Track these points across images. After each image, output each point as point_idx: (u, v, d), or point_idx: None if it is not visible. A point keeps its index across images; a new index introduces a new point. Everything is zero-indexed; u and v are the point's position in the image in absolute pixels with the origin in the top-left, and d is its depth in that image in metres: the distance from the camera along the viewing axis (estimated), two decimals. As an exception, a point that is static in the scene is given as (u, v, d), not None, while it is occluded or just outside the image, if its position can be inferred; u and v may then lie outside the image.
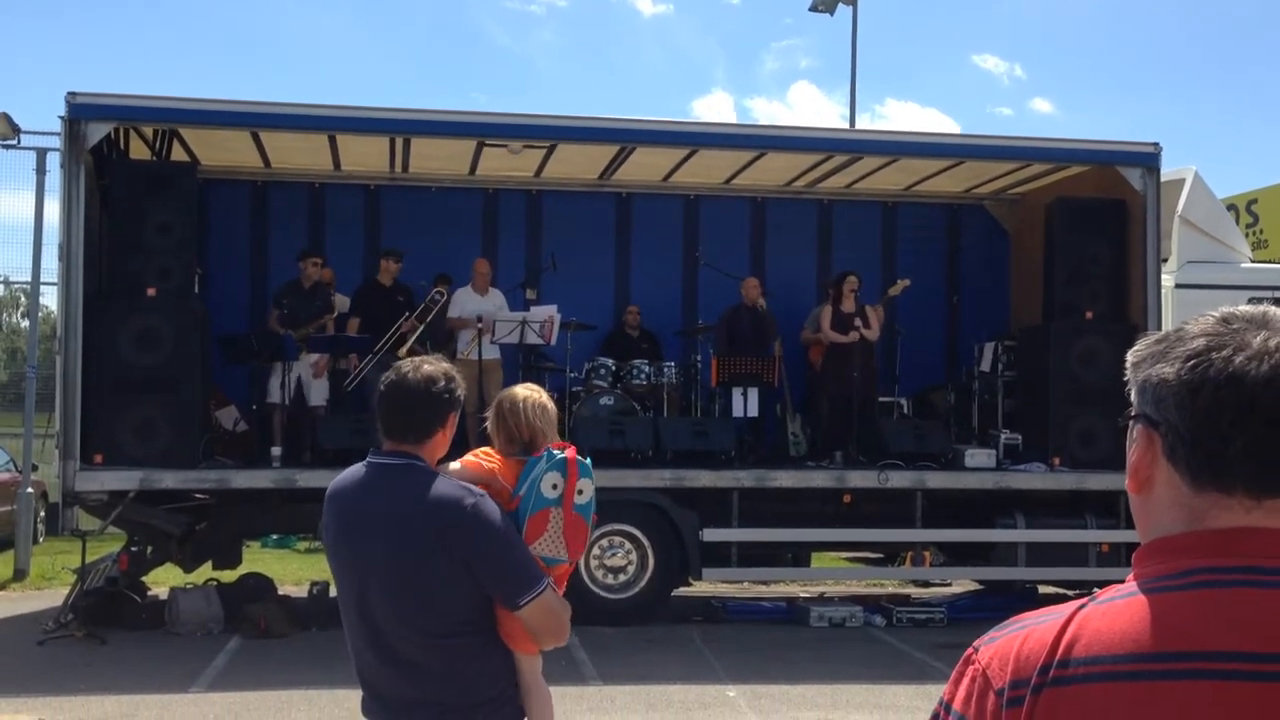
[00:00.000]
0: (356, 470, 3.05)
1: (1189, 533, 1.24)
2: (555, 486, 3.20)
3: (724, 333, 11.81)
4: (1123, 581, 1.26)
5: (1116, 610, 1.22)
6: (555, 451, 3.27)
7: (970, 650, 1.29)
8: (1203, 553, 1.22)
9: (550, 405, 3.47)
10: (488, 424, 3.49)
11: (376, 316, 10.98)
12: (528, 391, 3.46)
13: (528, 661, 3.13)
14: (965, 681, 1.27)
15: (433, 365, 3.05)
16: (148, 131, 10.85)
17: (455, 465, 3.24)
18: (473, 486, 3.02)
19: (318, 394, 11.07)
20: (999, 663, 1.24)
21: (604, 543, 10.36)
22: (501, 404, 3.43)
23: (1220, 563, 1.21)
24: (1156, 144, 10.96)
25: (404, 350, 10.13)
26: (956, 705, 1.27)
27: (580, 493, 3.26)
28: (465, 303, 11.20)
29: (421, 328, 10.87)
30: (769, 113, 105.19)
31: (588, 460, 3.34)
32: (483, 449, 3.43)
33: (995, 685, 1.23)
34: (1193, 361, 1.24)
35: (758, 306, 11.89)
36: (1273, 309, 1.27)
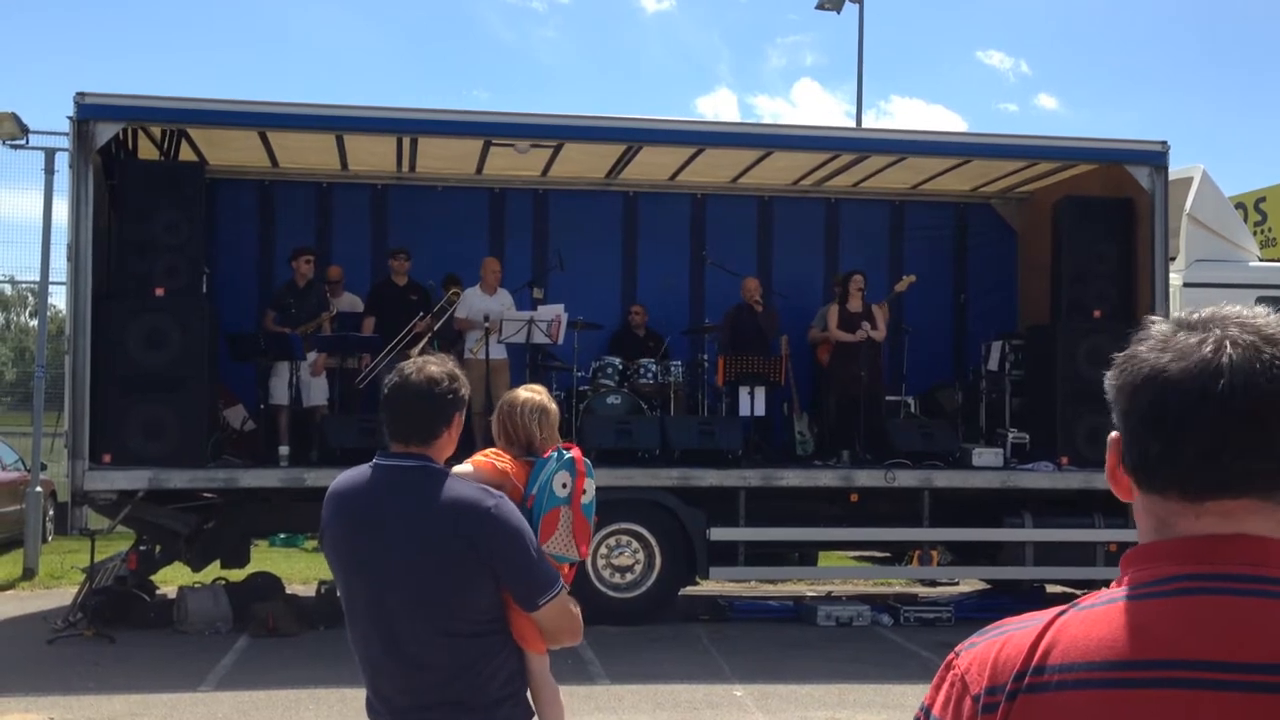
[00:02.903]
0: (363, 472, 3.02)
1: (1170, 540, 1.23)
2: (565, 485, 3.24)
3: (727, 333, 11.81)
4: (1107, 586, 1.26)
5: (1095, 617, 1.21)
6: (565, 451, 3.30)
7: (952, 655, 1.29)
8: (1183, 560, 1.21)
9: (551, 407, 3.46)
10: (492, 425, 3.51)
11: (391, 316, 11.00)
12: (529, 394, 3.46)
13: (537, 661, 3.14)
14: (945, 686, 1.27)
15: (436, 365, 3.03)
16: (156, 131, 10.88)
17: (466, 467, 3.24)
18: (490, 488, 3.02)
19: (317, 393, 11.09)
20: (977, 668, 1.24)
21: (611, 542, 10.37)
22: (501, 406, 3.45)
23: (1200, 570, 1.20)
24: (1164, 142, 10.94)
25: (417, 350, 10.14)
26: (935, 710, 1.27)
27: (585, 492, 3.30)
28: (473, 302, 11.20)
29: (433, 329, 10.89)
30: (772, 110, 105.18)
31: (588, 461, 3.38)
32: (492, 449, 3.44)
33: (972, 691, 1.23)
34: (1124, 365, 1.24)
35: (758, 306, 11.88)
36: (1229, 309, 1.25)
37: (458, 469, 3.16)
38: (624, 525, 10.37)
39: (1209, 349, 1.19)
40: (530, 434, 3.36)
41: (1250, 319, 1.22)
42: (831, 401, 11.80)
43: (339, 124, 10.63)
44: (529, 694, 3.12)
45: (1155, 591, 1.20)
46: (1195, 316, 1.24)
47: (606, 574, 10.35)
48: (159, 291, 9.77)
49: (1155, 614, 1.18)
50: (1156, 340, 1.24)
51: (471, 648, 2.92)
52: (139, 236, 9.86)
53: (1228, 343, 1.19)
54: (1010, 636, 1.24)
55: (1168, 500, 1.23)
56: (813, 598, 11.45)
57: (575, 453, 3.32)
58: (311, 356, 10.98)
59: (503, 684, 2.97)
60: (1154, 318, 1.28)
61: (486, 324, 10.85)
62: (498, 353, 10.96)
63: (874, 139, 12.18)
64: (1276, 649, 1.14)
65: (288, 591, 10.66)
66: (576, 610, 3.09)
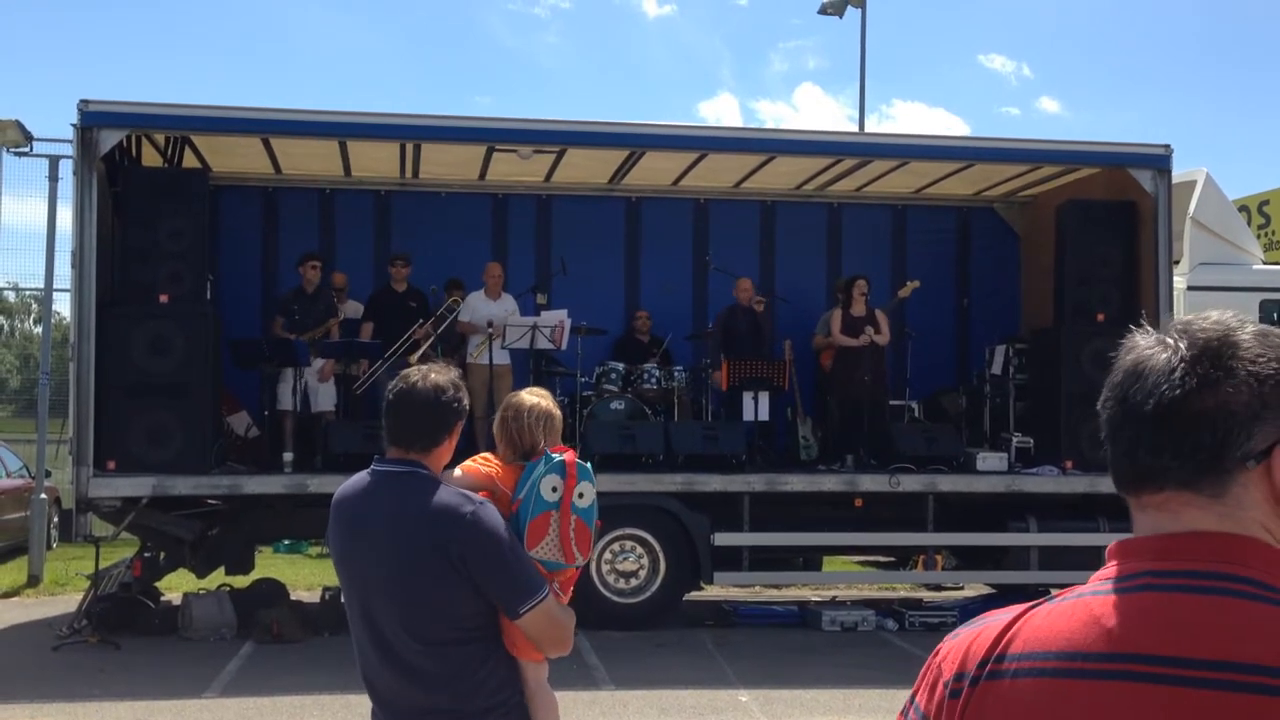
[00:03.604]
0: (361, 478, 3.06)
1: (1139, 537, 1.27)
2: (555, 489, 3.15)
3: (719, 334, 11.82)
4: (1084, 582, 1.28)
5: (1062, 610, 1.24)
6: (554, 455, 3.23)
7: (939, 645, 1.34)
8: (1148, 556, 1.24)
9: (555, 412, 3.41)
10: (494, 428, 3.47)
11: (390, 322, 11.01)
12: (534, 399, 3.41)
13: (533, 669, 3.11)
14: (927, 675, 1.33)
15: (440, 374, 3.04)
16: (159, 138, 10.90)
17: (457, 472, 3.23)
18: (473, 494, 3.01)
19: (325, 399, 11.08)
20: (952, 657, 1.29)
21: (615, 547, 10.36)
22: (506, 410, 3.40)
23: (1162, 566, 1.22)
24: (1168, 146, 10.94)
25: (416, 356, 10.15)
26: (917, 697, 1.33)
27: (581, 496, 3.20)
28: (477, 307, 11.21)
29: (435, 335, 10.90)
30: (775, 114, 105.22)
31: (588, 464, 3.30)
32: (482, 454, 3.40)
33: (944, 677, 1.28)
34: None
35: (753, 307, 11.88)
36: (1199, 315, 1.27)
37: (450, 474, 3.15)
38: (628, 530, 10.36)
39: (1144, 353, 1.26)
40: (535, 440, 3.31)
41: (1191, 324, 1.26)
42: (835, 406, 11.79)
43: (342, 130, 10.64)
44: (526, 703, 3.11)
45: (1118, 587, 1.23)
46: (1181, 320, 1.29)
47: (611, 579, 10.35)
48: (163, 298, 9.78)
49: (1114, 608, 1.21)
50: (1125, 347, 1.30)
51: (457, 655, 2.92)
52: (143, 243, 9.87)
53: (1159, 347, 1.25)
54: (985, 627, 1.29)
55: (1121, 495, 1.30)
56: (817, 602, 11.43)
57: (567, 456, 3.25)
58: (318, 363, 10.98)
59: (491, 692, 2.96)
60: (1141, 327, 1.32)
61: (489, 329, 10.86)
62: (500, 358, 10.97)
63: (877, 143, 12.19)
64: (1228, 646, 1.14)
65: (292, 598, 10.66)
66: (566, 619, 3.06)
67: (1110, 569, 1.26)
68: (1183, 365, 1.21)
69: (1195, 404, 1.20)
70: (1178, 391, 1.21)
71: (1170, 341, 1.24)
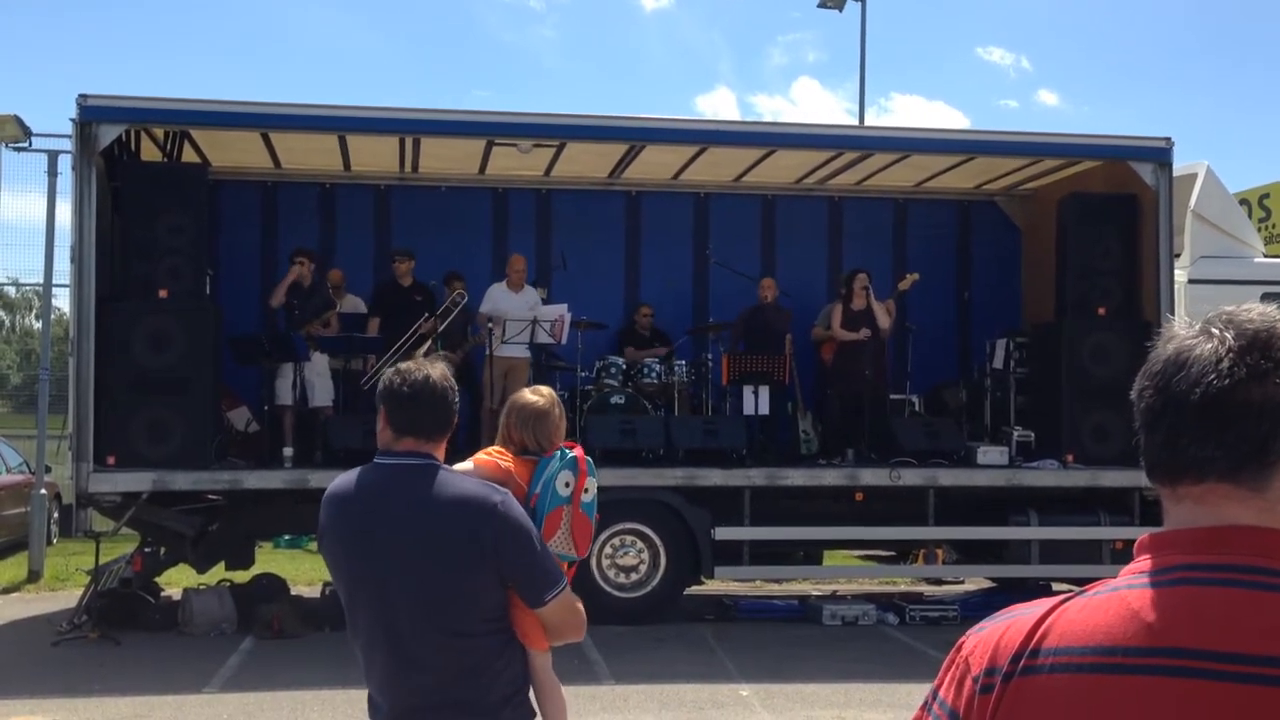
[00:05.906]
0: (364, 473, 3.01)
1: (1174, 530, 1.25)
2: (568, 484, 3.26)
3: (740, 328, 11.80)
4: (1115, 576, 1.27)
5: (1096, 604, 1.23)
6: (567, 450, 3.31)
7: (962, 639, 1.32)
8: (1184, 549, 1.23)
9: (553, 411, 3.48)
10: (500, 422, 3.51)
11: (396, 316, 10.98)
12: (528, 399, 3.46)
13: (540, 658, 3.14)
14: (952, 669, 1.31)
15: (439, 367, 3.05)
16: (158, 133, 10.88)
17: (468, 464, 3.24)
18: (497, 485, 3.03)
19: (323, 394, 11.06)
20: (980, 651, 1.28)
21: (616, 541, 10.35)
22: (510, 409, 3.44)
23: (1200, 560, 1.21)
24: (1169, 139, 10.92)
25: (422, 351, 10.14)
26: (941, 692, 1.31)
27: (586, 491, 3.33)
28: (498, 299, 11.15)
29: (441, 328, 10.88)
30: (772, 109, 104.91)
31: (589, 460, 3.43)
32: (494, 448, 3.44)
33: (973, 672, 1.27)
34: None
35: (773, 304, 11.87)
36: (1240, 307, 1.26)
37: (459, 466, 3.15)
38: (628, 525, 10.35)
39: (1186, 343, 1.24)
40: (523, 438, 3.38)
41: (1235, 315, 1.25)
42: (836, 400, 11.78)
43: (341, 125, 10.63)
44: (531, 693, 3.12)
45: (1156, 580, 1.22)
46: (1225, 311, 1.27)
47: (611, 574, 10.34)
48: (163, 293, 9.78)
49: (1152, 602, 1.19)
50: (1164, 337, 1.28)
51: (479, 648, 2.91)
52: (142, 238, 9.86)
53: (1203, 338, 1.23)
54: (1014, 621, 1.27)
55: (1156, 486, 1.27)
56: (818, 597, 11.43)
57: (577, 452, 3.35)
58: (317, 358, 10.95)
59: (510, 682, 2.97)
60: (1176, 317, 1.30)
61: (490, 324, 10.84)
62: (518, 351, 10.91)
63: (877, 137, 12.16)
64: (1269, 641, 1.13)
65: (293, 593, 10.66)
66: (580, 606, 3.10)
67: (1143, 562, 1.24)
68: (1230, 355, 1.20)
69: (1242, 395, 1.19)
70: (1226, 381, 1.20)
71: (1215, 331, 1.23)
